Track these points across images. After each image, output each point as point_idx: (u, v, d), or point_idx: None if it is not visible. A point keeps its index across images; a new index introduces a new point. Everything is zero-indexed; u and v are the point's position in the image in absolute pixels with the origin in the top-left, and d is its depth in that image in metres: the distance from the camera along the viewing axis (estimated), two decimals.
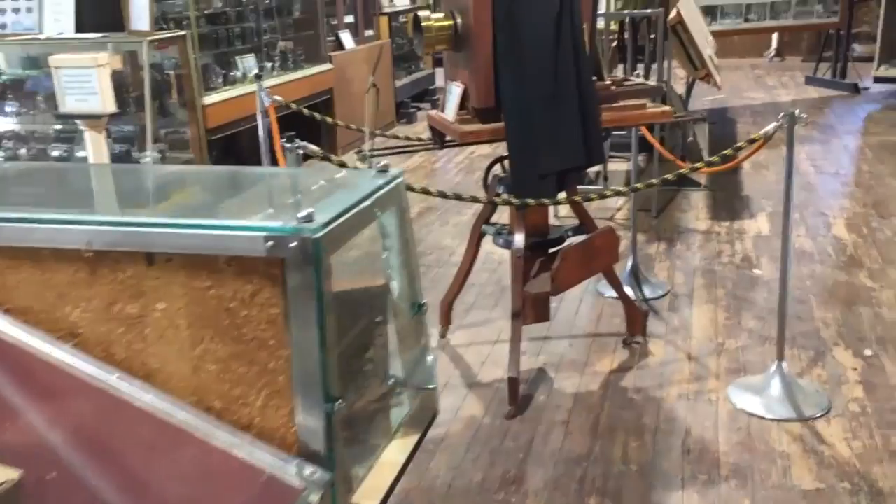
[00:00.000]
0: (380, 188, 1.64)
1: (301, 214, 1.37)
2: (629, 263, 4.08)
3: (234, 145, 5.99)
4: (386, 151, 3.26)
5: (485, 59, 2.82)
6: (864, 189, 5.61)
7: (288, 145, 2.39)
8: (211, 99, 5.29)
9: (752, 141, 2.79)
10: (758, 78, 10.42)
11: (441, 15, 2.91)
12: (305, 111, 3.53)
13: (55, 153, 5.06)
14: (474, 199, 2.78)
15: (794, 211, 2.86)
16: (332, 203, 1.53)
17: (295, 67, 6.62)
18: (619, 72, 6.63)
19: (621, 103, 3.05)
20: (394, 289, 1.77)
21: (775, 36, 11.35)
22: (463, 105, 2.96)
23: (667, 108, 3.08)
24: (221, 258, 1.45)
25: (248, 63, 6.09)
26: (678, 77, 7.08)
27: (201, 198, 1.86)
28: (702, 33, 5.79)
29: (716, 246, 4.66)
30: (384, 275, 1.77)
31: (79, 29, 5.02)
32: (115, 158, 5.00)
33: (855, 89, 9.02)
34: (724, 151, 2.87)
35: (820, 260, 4.35)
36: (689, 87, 6.58)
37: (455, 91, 2.99)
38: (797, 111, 2.73)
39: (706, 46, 5.67)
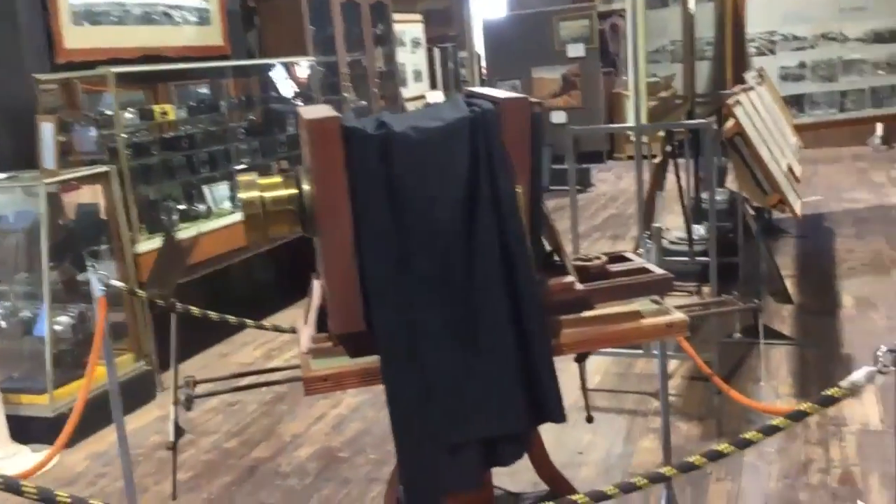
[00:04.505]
0: None
1: None
2: (663, 498, 2.74)
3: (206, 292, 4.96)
4: (223, 388, 2.10)
5: (342, 256, 1.64)
6: None
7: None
8: (150, 245, 4.27)
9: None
10: (861, 172, 8.85)
11: (277, 179, 1.73)
12: (178, 305, 2.42)
13: None
14: None
15: None
16: None
17: None
18: (666, 196, 5.29)
19: (597, 312, 1.79)
20: None
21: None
22: (323, 324, 1.77)
23: (677, 317, 1.79)
24: None
25: (219, 193, 5.11)
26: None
27: None
28: (774, 139, 4.47)
29: (802, 449, 3.25)
30: None
31: None
32: (21, 324, 4.06)
33: None
34: (803, 407, 1.57)
35: None
36: None
37: (317, 300, 1.82)
38: None
39: (781, 157, 4.35)
